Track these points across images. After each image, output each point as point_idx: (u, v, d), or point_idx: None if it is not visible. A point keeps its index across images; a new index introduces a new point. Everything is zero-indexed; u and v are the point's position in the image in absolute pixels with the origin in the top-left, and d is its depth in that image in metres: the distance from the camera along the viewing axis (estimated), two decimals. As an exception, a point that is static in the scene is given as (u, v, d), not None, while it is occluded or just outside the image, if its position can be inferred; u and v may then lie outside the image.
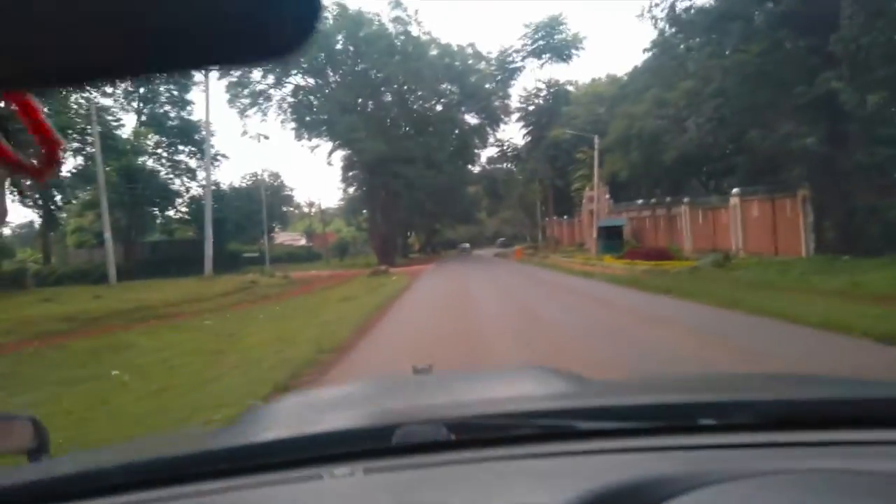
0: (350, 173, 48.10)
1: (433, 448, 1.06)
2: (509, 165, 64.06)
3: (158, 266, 35.02)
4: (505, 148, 54.25)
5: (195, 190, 40.26)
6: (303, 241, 65.30)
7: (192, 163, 41.14)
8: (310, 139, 47.54)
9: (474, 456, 1.03)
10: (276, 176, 62.15)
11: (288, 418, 1.57)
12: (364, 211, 51.18)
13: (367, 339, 11.16)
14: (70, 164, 33.31)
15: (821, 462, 0.88)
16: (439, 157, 44.88)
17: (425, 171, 43.25)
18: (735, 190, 26.88)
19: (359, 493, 0.97)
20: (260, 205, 57.60)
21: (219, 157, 41.51)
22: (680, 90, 27.75)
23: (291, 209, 72.32)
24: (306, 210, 68.37)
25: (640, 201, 39.33)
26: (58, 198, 34.20)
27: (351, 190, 50.09)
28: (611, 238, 37.57)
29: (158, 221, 43.24)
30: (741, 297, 12.44)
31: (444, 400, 1.59)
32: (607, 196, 43.63)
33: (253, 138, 50.14)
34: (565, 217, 56.22)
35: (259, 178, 51.54)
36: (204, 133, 41.27)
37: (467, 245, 72.83)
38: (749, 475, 0.81)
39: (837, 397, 1.22)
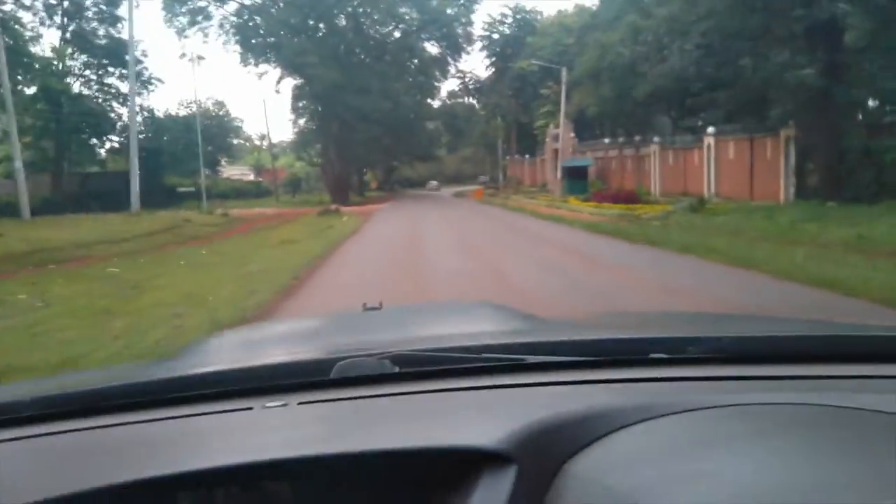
0: (300, 103, 44.51)
1: (374, 381, 1.02)
2: (471, 100, 61.11)
3: (88, 200, 31.62)
4: (467, 80, 51.10)
5: (128, 118, 36.27)
6: (252, 177, 61.47)
7: (124, 87, 36.99)
8: (256, 64, 43.69)
9: (417, 388, 1.00)
10: (220, 105, 57.70)
11: (226, 352, 1.58)
12: (316, 145, 47.77)
13: (296, 300, 8.94)
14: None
15: (768, 396, 0.87)
16: (396, 89, 41.70)
17: (381, 103, 40.09)
18: (710, 129, 25.03)
19: (289, 424, 0.92)
20: (202, 135, 53.73)
21: (153, 81, 37.63)
22: (659, 17, 25.37)
23: (241, 141, 68.20)
24: (257, 143, 64.20)
25: (607, 140, 37.31)
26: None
27: (302, 122, 46.44)
28: (575, 179, 35.65)
29: (94, 152, 39.32)
30: (750, 253, 10.54)
31: (391, 335, 1.57)
32: (572, 134, 41.45)
33: (192, 61, 45.60)
34: (527, 156, 54.04)
35: (200, 105, 47.21)
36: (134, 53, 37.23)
37: (435, 183, 69.82)
38: (699, 408, 0.80)
39: (786, 333, 1.22)
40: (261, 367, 1.16)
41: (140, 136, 36.40)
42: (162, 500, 0.74)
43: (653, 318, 2.22)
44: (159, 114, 38.04)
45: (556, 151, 46.07)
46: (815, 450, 0.70)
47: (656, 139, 31.02)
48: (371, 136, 44.03)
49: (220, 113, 57.14)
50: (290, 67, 41.41)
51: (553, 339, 1.25)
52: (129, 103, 26.95)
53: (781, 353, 1.06)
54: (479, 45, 48.12)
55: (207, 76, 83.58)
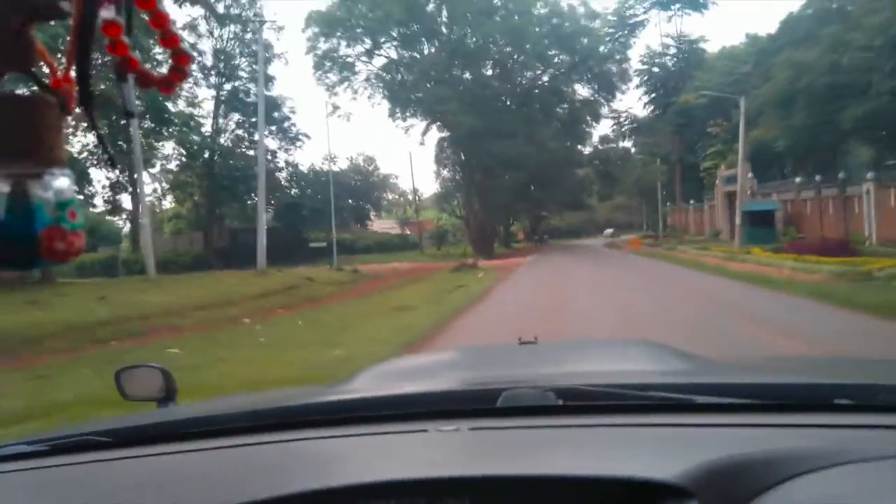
0: (444, 154, 42.47)
1: (540, 412, 1.04)
2: (625, 144, 56.16)
3: (232, 255, 31.25)
4: (622, 120, 46.26)
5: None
6: (398, 230, 60.78)
7: (274, 144, 37.07)
8: (403, 118, 42.46)
9: (583, 422, 1.01)
10: (370, 160, 57.72)
11: (398, 377, 1.64)
12: (459, 196, 45.37)
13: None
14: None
15: None
16: (543, 134, 38.17)
17: (525, 148, 36.71)
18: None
19: (462, 448, 0.97)
20: (350, 190, 53.53)
21: (300, 137, 37.29)
22: (870, 27, 19.72)
23: (394, 196, 68.01)
24: (402, 197, 63.74)
25: (797, 179, 30.78)
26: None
27: (445, 173, 44.36)
28: (759, 226, 29.58)
29: (245, 208, 39.81)
30: None
31: (550, 368, 1.60)
32: (750, 174, 35.28)
33: (342, 117, 45.57)
34: (692, 202, 47.72)
35: (334, 160, 46.94)
36: (285, 111, 37.33)
37: (610, 231, 64.78)
38: (890, 456, 0.78)
39: None
40: (434, 392, 1.22)
41: (286, 192, 36.11)
42: None
43: (827, 363, 2.14)
44: (303, 167, 37.52)
45: (728, 195, 39.76)
46: None
47: (870, 175, 24.45)
48: (515, 185, 40.80)
49: (370, 168, 57.24)
50: (431, 116, 39.64)
51: (725, 381, 1.21)
52: (257, 154, 25.69)
53: None
54: (635, 80, 43.34)
55: (356, 132, 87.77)
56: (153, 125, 26.74)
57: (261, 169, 23.36)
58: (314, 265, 27.30)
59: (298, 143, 37.02)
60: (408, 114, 41.93)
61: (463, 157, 40.36)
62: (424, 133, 42.27)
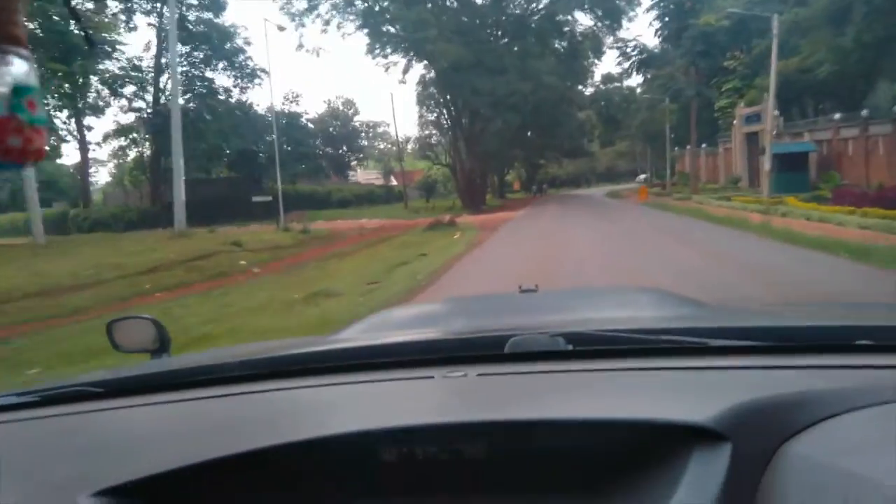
0: (427, 93, 37.28)
1: (549, 357, 1.01)
2: (629, 83, 50.74)
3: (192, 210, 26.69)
4: (628, 51, 40.57)
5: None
6: (382, 181, 55.83)
7: (227, 81, 31.90)
8: (383, 53, 36.96)
9: (594, 366, 0.98)
10: (349, 103, 52.13)
11: (396, 326, 1.64)
12: (444, 141, 40.34)
13: None
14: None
15: None
16: (539, 68, 32.90)
17: (519, 86, 31.62)
18: None
19: (472, 394, 0.93)
20: (329, 137, 48.38)
21: (258, 74, 32.04)
22: None
23: (385, 145, 62.75)
24: (385, 145, 58.33)
25: (836, 116, 25.81)
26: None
27: (430, 116, 39.23)
28: (790, 170, 24.88)
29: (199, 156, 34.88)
30: None
31: (556, 315, 1.56)
32: (776, 112, 30.38)
33: (310, 52, 39.91)
34: (703, 146, 42.76)
35: (300, 98, 41.63)
36: (238, 43, 32.01)
37: (643, 177, 58.93)
38: None
39: None
40: (439, 340, 1.19)
41: (243, 137, 31.09)
42: (368, 453, 0.76)
43: (845, 307, 2.01)
44: (260, 109, 32.29)
45: (747, 136, 34.71)
46: None
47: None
48: (507, 128, 35.76)
49: (350, 112, 51.73)
50: (413, 49, 34.32)
51: (739, 324, 1.19)
52: (171, 79, 20.76)
53: None
54: (645, 2, 37.23)
55: (334, 75, 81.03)
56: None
57: (174, 103, 18.49)
58: (264, 223, 22.73)
59: (256, 81, 31.82)
60: (388, 48, 36.51)
61: (448, 97, 35.21)
62: (406, 70, 36.90)
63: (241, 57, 31.36)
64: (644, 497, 0.70)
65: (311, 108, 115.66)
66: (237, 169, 30.53)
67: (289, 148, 30.56)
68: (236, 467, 0.76)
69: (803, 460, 0.67)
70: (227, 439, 0.81)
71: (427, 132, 38.98)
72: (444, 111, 36.70)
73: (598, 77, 51.69)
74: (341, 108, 51.48)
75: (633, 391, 0.90)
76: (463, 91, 32.81)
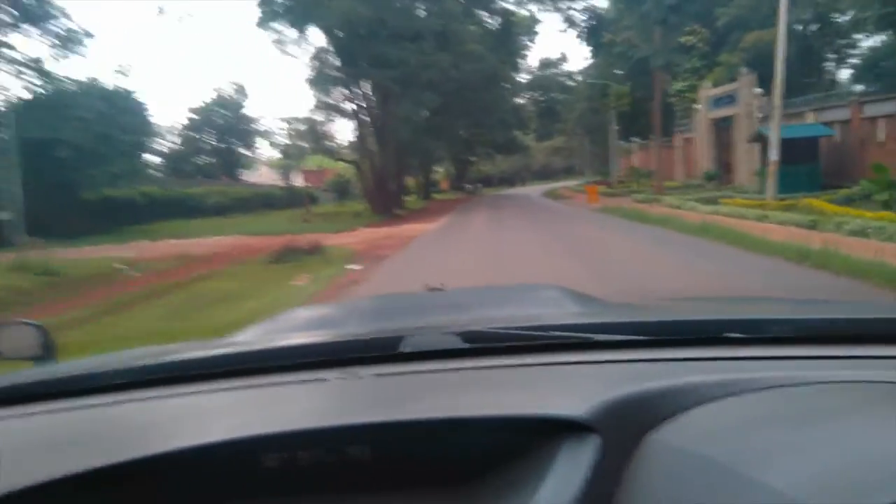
0: (324, 69, 29.05)
1: (444, 356, 1.01)
2: (570, 66, 44.23)
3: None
4: (572, 16, 33.55)
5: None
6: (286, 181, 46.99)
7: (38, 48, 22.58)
8: (275, 19, 28.47)
9: (487, 363, 0.99)
10: (240, 89, 42.94)
11: (294, 328, 1.57)
12: (339, 126, 32.08)
13: None
14: None
15: (838, 373, 0.87)
16: (462, 34, 25.47)
17: (437, 56, 24.07)
18: None
19: (364, 395, 0.93)
20: (219, 129, 39.27)
21: (78, 38, 22.94)
22: None
23: (289, 141, 53.73)
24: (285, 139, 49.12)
25: (861, 87, 19.29)
26: None
27: (327, 98, 30.92)
28: (794, 162, 18.22)
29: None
30: None
31: (457, 313, 1.56)
32: (757, 89, 24.04)
33: (179, 19, 30.94)
34: (651, 137, 36.44)
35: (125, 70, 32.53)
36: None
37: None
38: (777, 385, 0.81)
39: (850, 316, 1.22)
40: (335, 342, 1.18)
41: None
42: (248, 460, 0.74)
43: (721, 301, 2.16)
44: (73, 86, 22.86)
45: (716, 123, 28.50)
46: (884, 423, 0.70)
47: None
48: (427, 114, 28.19)
49: (238, 99, 42.58)
50: (303, 11, 26.14)
51: (623, 319, 1.24)
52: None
53: (847, 334, 1.05)
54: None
55: (223, 59, 70.94)
56: None
57: None
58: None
59: (76, 48, 22.72)
60: (279, 13, 28.10)
61: (349, 73, 27.21)
62: (299, 41, 28.61)
63: (56, 17, 22.26)
64: (516, 489, 0.71)
65: (195, 97, 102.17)
66: (36, 166, 21.36)
67: (122, 137, 21.65)
68: (104, 480, 0.72)
69: (666, 449, 0.69)
70: (96, 450, 0.77)
71: (325, 120, 30.67)
72: (347, 91, 28.61)
73: (535, 61, 44.99)
74: (233, 95, 42.30)
75: (520, 387, 0.91)
76: (367, 64, 24.95)
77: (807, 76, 28.63)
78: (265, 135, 41.67)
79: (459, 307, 1.70)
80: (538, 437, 0.73)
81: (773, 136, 15.29)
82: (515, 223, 18.69)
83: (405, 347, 1.02)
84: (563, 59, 45.16)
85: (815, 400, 0.79)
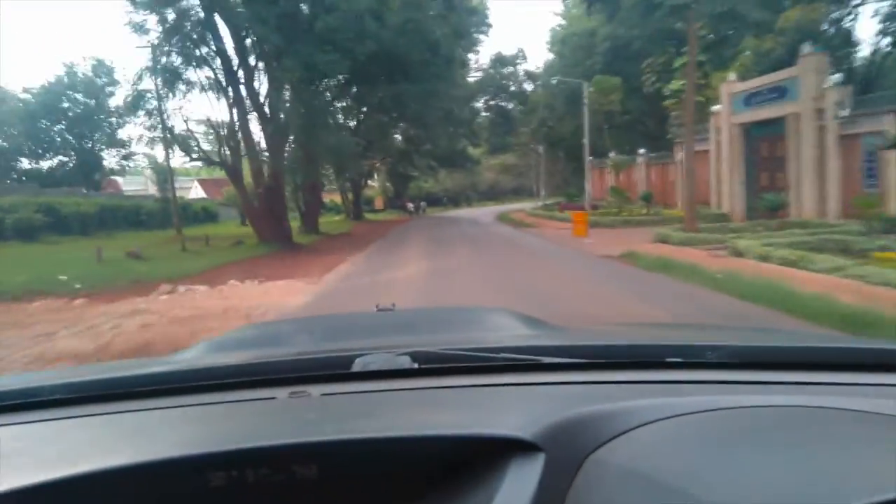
0: (189, 42, 19.30)
1: (394, 375, 1.02)
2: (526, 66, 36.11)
3: None
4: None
5: None
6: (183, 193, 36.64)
7: None
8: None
9: (436, 384, 1.00)
10: (100, 65, 31.88)
11: (245, 345, 1.55)
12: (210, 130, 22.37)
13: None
14: None
15: (770, 398, 0.90)
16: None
17: (354, 25, 15.07)
18: None
19: (312, 413, 0.92)
20: (72, 120, 28.83)
21: None
22: None
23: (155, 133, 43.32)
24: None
25: None
26: None
27: (198, 82, 21.10)
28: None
29: None
30: None
31: (407, 334, 1.57)
32: (834, 77, 16.10)
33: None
34: (643, 153, 28.17)
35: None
36: None
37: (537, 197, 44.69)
38: (714, 409, 0.83)
39: (783, 344, 1.27)
40: (286, 360, 1.16)
41: None
42: (194, 479, 0.73)
43: (664, 327, 2.22)
44: None
45: (745, 130, 20.36)
46: (809, 446, 0.73)
47: None
48: (327, 96, 18.97)
49: (101, 81, 31.79)
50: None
51: (569, 343, 1.25)
52: None
53: (780, 361, 1.08)
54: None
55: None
56: None
57: None
58: None
59: None
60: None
61: (214, 29, 17.78)
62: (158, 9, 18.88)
63: None
64: None
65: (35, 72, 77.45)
66: None
67: None
68: (42, 498, 0.70)
69: (608, 468, 0.71)
70: (31, 467, 0.76)
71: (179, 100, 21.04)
72: (222, 71, 19.04)
73: (485, 58, 36.63)
74: (92, 76, 31.54)
75: (469, 407, 0.91)
76: (253, 32, 15.71)
77: None
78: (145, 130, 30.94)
79: (410, 327, 1.69)
80: (485, 456, 0.74)
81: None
82: (477, 280, 9.75)
83: (357, 367, 1.02)
84: (521, 55, 36.88)
85: (747, 422, 0.81)
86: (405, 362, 1.03)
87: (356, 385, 0.99)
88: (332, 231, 28.28)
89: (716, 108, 21.01)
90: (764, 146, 18.97)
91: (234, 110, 19.08)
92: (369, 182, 46.56)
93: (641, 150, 27.49)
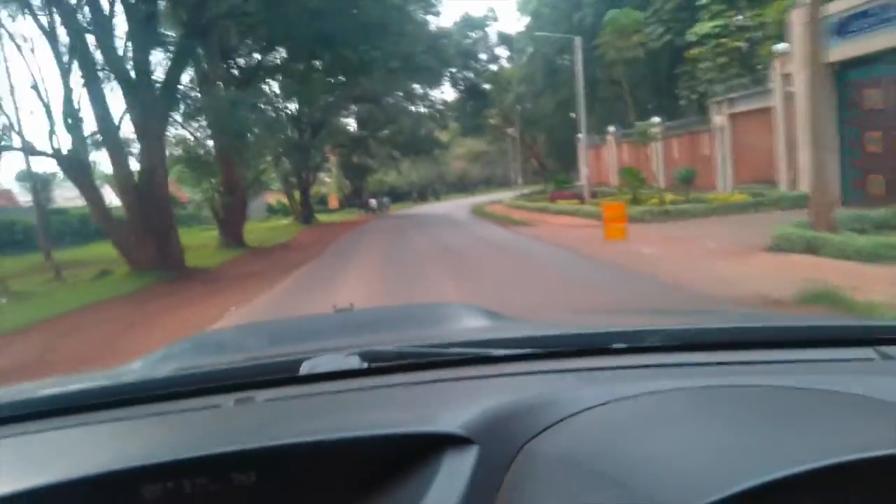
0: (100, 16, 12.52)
1: (343, 376, 1.00)
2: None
3: None
4: None
5: None
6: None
7: None
8: None
9: (385, 382, 0.99)
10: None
11: (191, 354, 1.52)
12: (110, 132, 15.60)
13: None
14: None
15: (714, 380, 0.90)
16: None
17: None
18: None
19: (255, 419, 0.90)
20: None
21: None
22: None
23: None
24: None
25: None
26: None
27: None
28: None
29: None
30: None
31: (361, 334, 1.54)
32: None
33: None
34: (656, 120, 21.79)
35: None
36: None
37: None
38: (654, 392, 0.83)
39: (721, 325, 1.26)
40: (231, 367, 1.13)
41: None
42: (129, 492, 0.72)
43: (612, 313, 2.26)
44: None
45: (836, 71, 13.69)
46: (751, 420, 0.74)
47: None
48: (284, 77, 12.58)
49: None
50: None
51: (518, 334, 1.26)
52: None
53: (722, 342, 1.09)
54: None
55: None
56: None
57: None
58: None
59: None
60: None
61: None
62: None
63: None
64: None
65: None
66: None
67: None
68: None
69: (544, 456, 0.71)
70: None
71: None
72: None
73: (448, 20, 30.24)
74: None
75: (414, 404, 0.90)
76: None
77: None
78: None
79: (365, 327, 1.65)
80: (423, 453, 0.73)
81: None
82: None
83: (304, 370, 1.00)
84: (492, 15, 30.40)
85: (687, 404, 0.80)
86: (354, 362, 1.01)
87: (303, 388, 0.97)
88: (266, 242, 21.66)
89: (780, 46, 15.06)
90: (870, 94, 13.02)
91: (76, 69, 12.30)
92: (321, 176, 39.74)
93: (655, 119, 21.43)
